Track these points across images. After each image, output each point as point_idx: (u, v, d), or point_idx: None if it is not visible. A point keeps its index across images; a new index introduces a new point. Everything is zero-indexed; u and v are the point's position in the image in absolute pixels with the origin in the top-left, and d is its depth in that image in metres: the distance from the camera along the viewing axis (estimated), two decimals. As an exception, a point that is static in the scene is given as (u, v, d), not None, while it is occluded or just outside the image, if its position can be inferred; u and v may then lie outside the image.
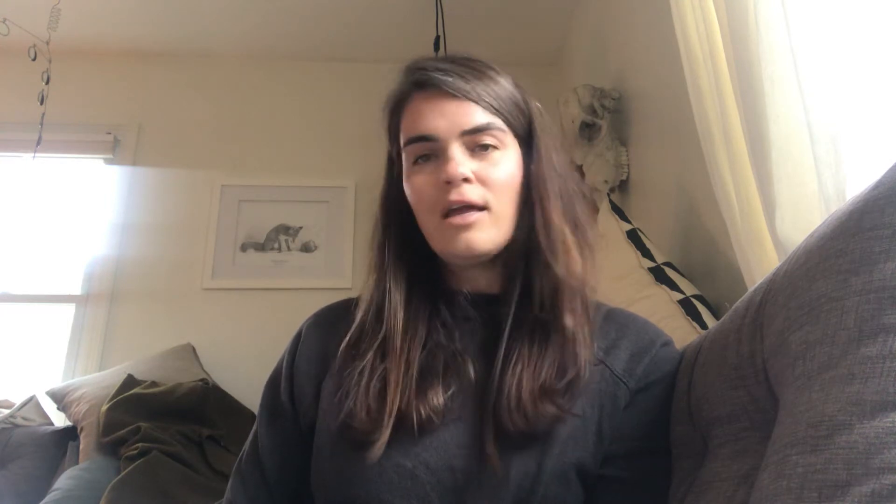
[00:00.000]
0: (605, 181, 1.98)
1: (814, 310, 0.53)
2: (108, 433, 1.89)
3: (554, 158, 0.79)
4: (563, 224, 0.76)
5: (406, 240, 0.80)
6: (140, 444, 1.80)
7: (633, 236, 1.57)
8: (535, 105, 0.81)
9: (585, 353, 0.72)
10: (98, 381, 2.17)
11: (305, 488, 0.79)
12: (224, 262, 2.72)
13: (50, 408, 2.23)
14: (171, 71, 2.95)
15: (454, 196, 0.72)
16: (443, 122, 0.74)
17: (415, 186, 0.76)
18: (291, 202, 2.83)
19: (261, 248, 2.77)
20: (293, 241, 2.79)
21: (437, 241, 0.76)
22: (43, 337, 2.68)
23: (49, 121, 2.33)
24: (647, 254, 1.51)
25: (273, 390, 0.84)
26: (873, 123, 0.81)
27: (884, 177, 0.52)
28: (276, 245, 2.78)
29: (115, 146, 2.83)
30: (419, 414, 0.70)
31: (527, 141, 0.79)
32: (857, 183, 0.78)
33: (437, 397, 0.71)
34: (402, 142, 0.78)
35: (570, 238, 0.76)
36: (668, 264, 1.47)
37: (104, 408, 1.95)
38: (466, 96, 0.74)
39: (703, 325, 1.25)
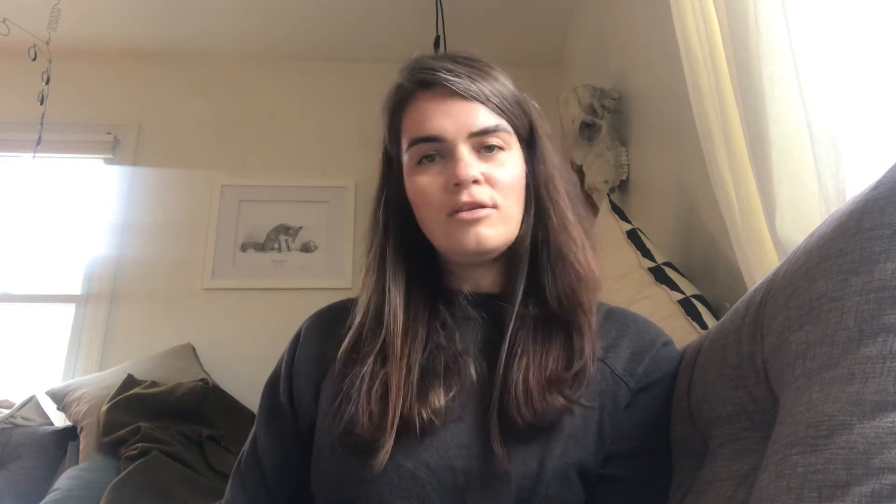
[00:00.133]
0: (605, 181, 1.98)
1: (814, 310, 0.53)
2: (108, 433, 1.89)
3: (555, 160, 0.80)
4: (576, 222, 0.77)
5: (406, 240, 0.79)
6: (140, 444, 1.80)
7: (633, 236, 1.57)
8: (535, 106, 0.81)
9: (590, 347, 0.73)
10: (98, 381, 2.17)
11: (305, 488, 0.79)
12: (224, 262, 2.72)
13: (50, 408, 2.23)
14: (171, 71, 2.95)
15: (465, 197, 0.72)
16: (450, 122, 0.73)
17: (419, 187, 0.75)
18: (291, 202, 2.83)
19: (261, 248, 2.77)
20: (293, 241, 2.79)
21: (443, 239, 0.76)
22: (43, 337, 2.68)
23: (49, 121, 2.33)
24: (647, 254, 1.51)
25: (272, 391, 0.84)
26: (873, 123, 0.81)
27: (884, 177, 0.52)
28: (276, 245, 2.78)
29: (115, 146, 2.83)
30: (421, 417, 0.70)
31: (528, 141, 0.79)
32: (857, 183, 0.78)
33: (439, 399, 0.71)
34: (404, 141, 0.77)
35: (583, 236, 0.77)
36: (668, 264, 1.47)
37: (104, 408, 1.95)
38: (474, 97, 0.74)
39: (703, 325, 1.25)
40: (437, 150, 0.74)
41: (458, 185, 0.72)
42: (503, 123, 0.75)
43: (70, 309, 2.65)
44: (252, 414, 2.14)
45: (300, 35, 2.86)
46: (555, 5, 2.65)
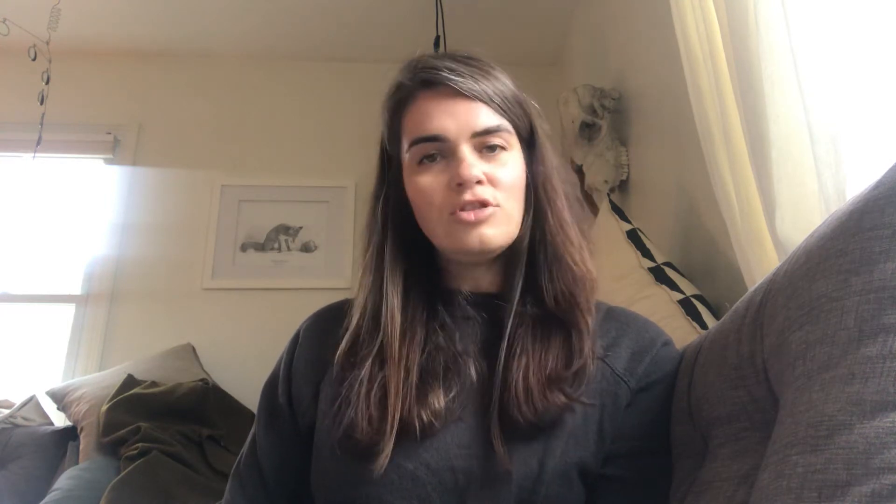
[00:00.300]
0: (605, 181, 1.98)
1: (814, 310, 0.53)
2: (108, 433, 1.89)
3: (554, 160, 0.80)
4: (573, 223, 0.77)
5: (404, 239, 0.79)
6: (140, 444, 1.80)
7: (633, 236, 1.57)
8: (534, 106, 0.81)
9: (590, 346, 0.73)
10: (98, 381, 2.17)
11: (304, 489, 0.79)
12: (224, 262, 2.72)
13: (50, 408, 2.22)
14: (171, 71, 2.95)
15: (468, 197, 0.72)
16: (452, 122, 0.73)
17: (420, 187, 0.75)
18: (291, 202, 2.83)
19: (261, 248, 2.77)
20: (293, 241, 2.79)
21: (445, 239, 0.75)
22: (43, 337, 2.68)
23: (49, 121, 2.33)
24: (647, 254, 1.51)
25: (271, 392, 0.84)
26: (873, 123, 0.81)
27: (884, 177, 0.52)
28: (276, 245, 2.78)
29: (115, 146, 2.83)
30: (421, 420, 0.70)
31: (528, 141, 0.79)
32: (857, 183, 0.78)
33: (438, 400, 0.71)
34: (405, 141, 0.77)
35: (580, 236, 0.77)
36: (668, 264, 1.47)
37: (104, 408, 1.95)
38: (477, 97, 0.74)
39: (703, 325, 1.25)
40: (439, 150, 0.74)
41: (461, 185, 0.72)
42: (505, 123, 0.75)
43: (70, 309, 2.65)
44: (252, 414, 2.14)
45: (300, 35, 2.86)
46: (555, 5, 2.65)
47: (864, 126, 0.82)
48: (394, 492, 0.69)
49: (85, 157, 2.88)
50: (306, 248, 2.78)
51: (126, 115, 2.87)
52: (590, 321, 0.75)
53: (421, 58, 0.78)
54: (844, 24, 0.84)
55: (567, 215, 0.77)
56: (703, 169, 1.19)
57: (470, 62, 0.76)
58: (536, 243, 0.77)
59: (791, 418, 0.51)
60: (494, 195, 0.73)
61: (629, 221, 1.64)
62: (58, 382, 2.34)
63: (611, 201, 1.75)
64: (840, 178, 0.81)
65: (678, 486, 0.72)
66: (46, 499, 1.68)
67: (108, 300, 2.63)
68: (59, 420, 2.25)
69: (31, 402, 2.22)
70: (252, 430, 0.86)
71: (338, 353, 0.76)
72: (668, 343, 0.79)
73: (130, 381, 2.08)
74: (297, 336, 0.86)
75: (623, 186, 2.03)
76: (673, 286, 1.39)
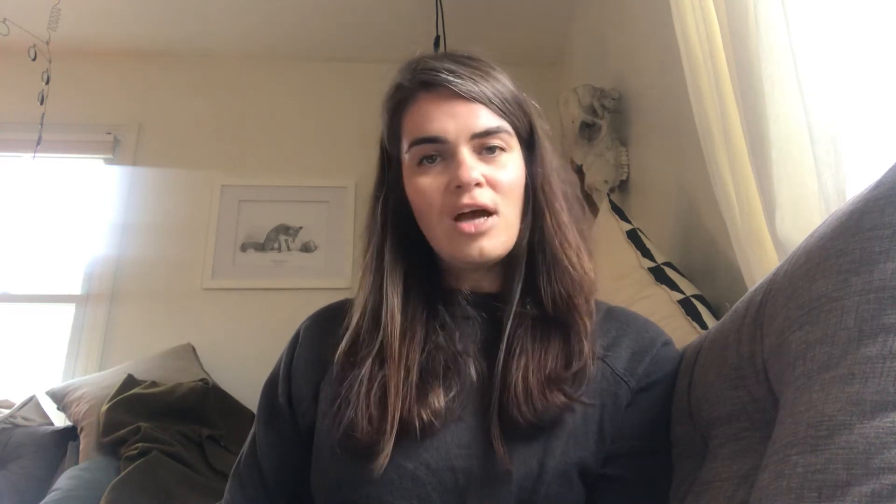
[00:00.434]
0: (605, 181, 1.98)
1: (814, 310, 0.53)
2: (108, 433, 1.89)
3: (554, 161, 0.80)
4: (571, 224, 0.77)
5: (404, 240, 0.79)
6: (140, 444, 1.80)
7: (633, 236, 1.57)
8: (534, 105, 0.81)
9: (589, 347, 0.73)
10: (98, 381, 2.17)
11: (304, 489, 0.79)
12: (224, 262, 2.72)
13: (50, 408, 2.23)
14: (171, 71, 2.95)
15: (466, 200, 0.72)
16: (452, 123, 0.73)
17: (419, 188, 0.75)
18: (291, 202, 2.83)
19: (261, 248, 2.77)
20: (293, 241, 2.79)
21: (445, 245, 0.75)
22: (43, 337, 2.68)
23: (49, 121, 2.33)
24: (647, 254, 1.51)
25: (271, 392, 0.84)
26: (873, 123, 0.81)
27: (884, 177, 0.52)
28: (276, 245, 2.78)
29: (115, 146, 2.83)
30: (421, 419, 0.70)
31: (527, 142, 0.79)
32: (857, 183, 0.78)
33: (438, 400, 0.71)
34: (405, 142, 0.76)
35: (578, 238, 0.77)
36: (668, 264, 1.47)
37: (104, 408, 1.95)
38: (476, 98, 0.73)
39: (703, 325, 1.25)
40: (439, 152, 0.74)
41: (460, 187, 0.72)
42: (504, 125, 0.75)
43: (70, 309, 2.65)
44: (252, 414, 2.14)
45: (300, 35, 2.86)
46: (555, 5, 2.65)
47: (864, 126, 0.82)
48: (394, 492, 0.69)
49: (85, 157, 2.88)
50: (306, 248, 2.78)
51: (126, 115, 2.88)
52: (588, 323, 0.74)
53: (420, 59, 0.78)
54: (844, 24, 0.84)
55: (565, 217, 0.77)
56: (703, 169, 1.19)
57: (469, 63, 0.76)
58: (535, 245, 0.77)
59: (791, 418, 0.51)
60: (493, 198, 0.73)
61: (629, 221, 1.64)
62: (58, 382, 2.35)
63: (611, 201, 1.75)
64: (840, 178, 0.81)
65: (678, 486, 0.72)
66: (46, 499, 1.68)
67: (108, 300, 2.63)
68: (59, 420, 2.25)
69: (31, 402, 2.22)
70: (252, 430, 0.86)
71: (338, 352, 0.76)
72: (668, 343, 0.79)
73: (130, 381, 2.08)
74: (297, 336, 0.86)
75: (623, 186, 2.03)
76: (673, 286, 1.39)
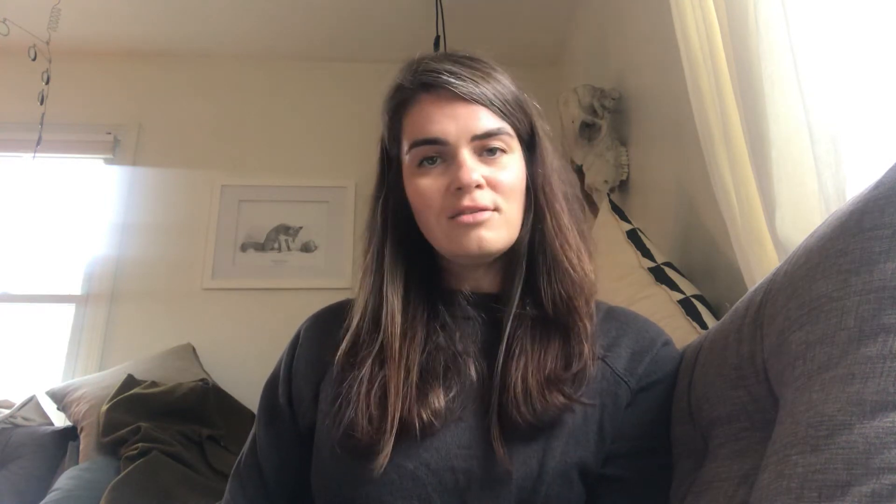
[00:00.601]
0: (605, 181, 1.98)
1: (814, 310, 0.53)
2: (108, 433, 1.89)
3: (555, 162, 0.80)
4: (571, 226, 0.77)
5: (404, 240, 0.79)
6: (140, 444, 1.80)
7: (633, 236, 1.57)
8: (535, 106, 0.81)
9: (589, 348, 0.73)
10: (98, 381, 2.17)
11: (304, 489, 0.79)
12: (224, 262, 2.72)
13: (50, 408, 2.23)
14: (171, 71, 2.95)
15: (467, 202, 0.72)
16: (453, 125, 0.73)
17: (419, 189, 0.75)
18: (291, 202, 2.83)
19: (261, 248, 2.77)
20: (293, 241, 2.79)
21: (444, 242, 0.75)
22: (43, 337, 2.68)
23: (49, 121, 2.33)
24: (647, 254, 1.51)
25: (271, 392, 0.84)
26: (873, 123, 0.81)
27: (884, 177, 0.52)
28: (276, 245, 2.78)
29: (115, 146, 2.83)
30: (421, 419, 0.70)
31: (528, 143, 0.79)
32: (857, 183, 0.78)
33: (438, 400, 0.71)
34: (405, 143, 0.76)
35: (578, 239, 0.77)
36: (668, 264, 1.47)
37: (104, 408, 1.95)
38: (477, 100, 0.73)
39: (703, 325, 1.25)
40: (439, 153, 0.74)
41: (461, 189, 0.72)
42: (505, 126, 0.75)
43: (70, 309, 2.65)
44: (252, 414, 2.14)
45: (300, 35, 2.86)
46: (555, 5, 2.65)
47: (864, 126, 0.82)
48: (394, 492, 0.69)
49: (85, 157, 2.88)
50: (306, 248, 2.78)
51: (126, 115, 2.88)
52: (589, 325, 0.74)
53: (421, 60, 0.78)
54: (844, 24, 0.84)
55: (566, 219, 0.77)
56: (703, 169, 1.19)
57: (470, 64, 0.76)
58: (536, 246, 0.77)
59: (791, 418, 0.51)
60: (494, 199, 0.73)
61: (629, 221, 1.64)
62: (58, 382, 2.34)
63: (611, 201, 1.75)
64: (840, 178, 0.81)
65: (678, 486, 0.72)
66: (46, 499, 1.68)
67: (108, 300, 2.63)
68: (59, 420, 2.25)
69: (31, 402, 2.22)
70: (252, 431, 0.86)
71: (338, 353, 0.76)
72: (668, 343, 0.79)
73: (130, 381, 2.08)
74: (297, 337, 0.86)
75: (623, 186, 2.03)
76: (673, 286, 1.39)
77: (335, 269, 2.73)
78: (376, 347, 0.75)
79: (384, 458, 0.68)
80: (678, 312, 1.31)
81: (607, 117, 2.03)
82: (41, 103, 2.20)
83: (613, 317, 0.80)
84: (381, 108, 0.81)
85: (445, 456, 0.70)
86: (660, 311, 1.32)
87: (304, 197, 2.84)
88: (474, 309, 0.78)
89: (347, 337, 0.77)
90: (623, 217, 1.66)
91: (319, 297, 1.11)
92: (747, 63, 0.96)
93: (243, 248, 2.76)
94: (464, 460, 0.70)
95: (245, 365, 2.39)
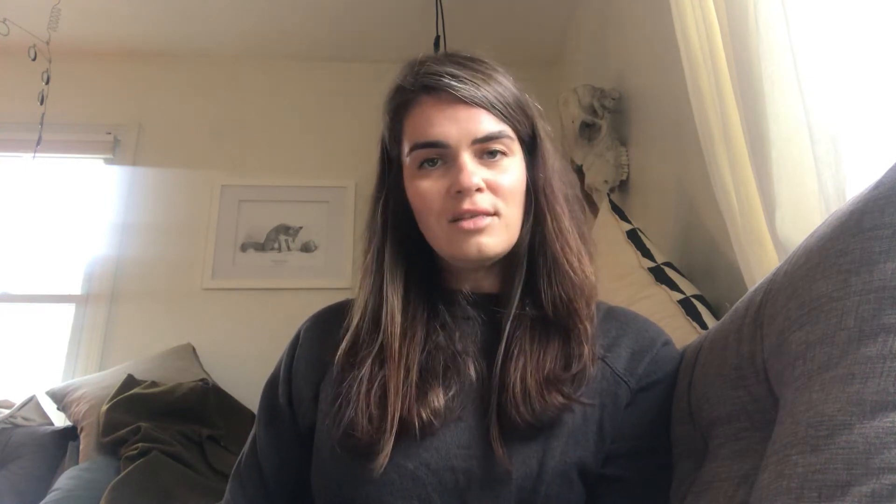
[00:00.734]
0: (605, 181, 1.98)
1: (814, 310, 0.53)
2: (108, 433, 1.89)
3: (556, 163, 0.79)
4: (572, 228, 0.77)
5: (404, 241, 0.79)
6: (140, 444, 1.80)
7: (633, 236, 1.57)
8: (537, 107, 0.81)
9: (590, 349, 0.73)
10: (98, 381, 2.17)
11: (304, 490, 0.79)
12: (224, 262, 2.72)
13: (50, 408, 2.22)
14: (171, 71, 2.95)
15: (466, 205, 0.72)
16: (454, 128, 0.73)
17: (420, 191, 0.75)
18: (291, 202, 2.83)
19: (261, 248, 2.77)
20: (293, 241, 2.79)
21: (444, 245, 0.75)
22: (43, 337, 2.68)
23: (49, 121, 2.33)
24: (647, 254, 1.51)
25: (271, 392, 0.84)
26: (873, 123, 0.81)
27: (884, 177, 0.52)
28: (276, 245, 2.78)
29: (115, 146, 2.83)
30: (420, 418, 0.70)
31: (529, 145, 0.79)
32: (857, 183, 0.78)
33: (438, 399, 0.71)
34: (406, 145, 0.76)
35: (579, 241, 0.77)
36: (668, 264, 1.47)
37: (104, 408, 1.95)
38: (478, 104, 0.73)
39: (703, 325, 1.25)
40: (440, 156, 0.74)
41: (461, 192, 0.72)
42: (506, 129, 0.75)
43: (70, 309, 2.65)
44: (252, 414, 2.14)
45: (300, 35, 2.86)
46: (555, 5, 2.65)
47: (864, 126, 0.82)
48: (394, 492, 0.69)
49: (85, 157, 2.88)
50: (306, 248, 2.78)
51: (126, 115, 2.87)
52: (589, 327, 0.74)
53: (422, 61, 0.77)
54: (844, 24, 0.84)
55: (566, 221, 0.77)
56: (703, 169, 1.19)
57: (472, 65, 0.76)
58: (536, 248, 0.77)
59: (791, 418, 0.51)
60: (494, 203, 0.73)
61: (629, 221, 1.64)
62: (58, 382, 2.34)
63: (611, 201, 1.75)
64: (840, 178, 0.81)
65: (678, 486, 0.72)
66: (46, 499, 1.68)
67: (108, 300, 2.63)
68: (59, 420, 2.25)
69: (31, 402, 2.22)
70: (252, 431, 0.86)
71: (338, 354, 0.76)
72: (668, 343, 0.79)
73: (130, 381, 2.08)
74: (297, 337, 0.86)
75: (623, 186, 2.03)
76: (673, 286, 1.39)
77: (335, 269, 2.73)
78: (376, 347, 0.75)
79: (384, 457, 0.68)
80: (678, 312, 1.31)
81: (607, 117, 2.03)
82: (41, 103, 2.20)
83: (613, 317, 0.80)
84: (381, 109, 0.81)
85: (445, 456, 0.70)
86: (660, 311, 1.32)
87: (304, 197, 2.84)
88: (474, 309, 0.78)
89: (347, 337, 0.77)
90: (623, 217, 1.66)
91: (319, 297, 1.11)
92: (747, 63, 0.96)
93: (243, 248, 2.76)
94: (463, 460, 0.70)
95: (245, 365, 2.39)
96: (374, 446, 0.69)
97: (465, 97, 0.73)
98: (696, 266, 1.51)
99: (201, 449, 1.92)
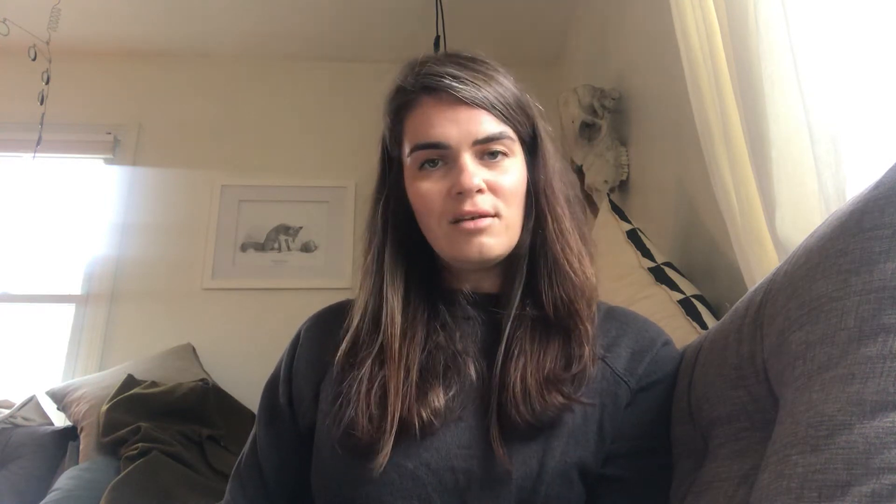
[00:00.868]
0: (605, 181, 1.98)
1: (814, 310, 0.53)
2: (108, 433, 1.89)
3: (557, 164, 0.79)
4: (573, 229, 0.77)
5: (405, 241, 0.79)
6: (140, 444, 1.80)
7: (633, 236, 1.57)
8: (537, 107, 0.80)
9: (590, 350, 0.73)
10: (98, 381, 2.17)
11: (305, 490, 0.79)
12: (224, 262, 2.72)
13: (50, 408, 2.23)
14: (171, 71, 2.95)
15: (467, 207, 0.72)
16: (454, 129, 0.73)
17: (420, 192, 0.75)
18: (291, 202, 2.83)
19: (261, 248, 2.77)
20: (293, 241, 2.79)
21: (445, 246, 0.75)
22: (43, 337, 2.68)
23: (49, 121, 2.33)
24: (647, 254, 1.51)
25: (272, 393, 0.84)
26: (873, 123, 0.81)
27: (884, 177, 0.52)
28: (276, 245, 2.78)
29: (115, 146, 2.83)
30: (420, 418, 0.70)
31: (530, 145, 0.79)
32: (857, 183, 0.78)
33: (438, 399, 0.71)
34: (407, 145, 0.76)
35: (579, 242, 0.77)
36: (668, 264, 1.47)
37: (104, 408, 1.95)
38: (479, 105, 0.73)
39: (703, 325, 1.25)
40: (441, 156, 0.74)
41: (461, 193, 0.72)
42: (507, 130, 0.75)
43: (70, 309, 2.65)
44: (252, 414, 2.14)
45: (300, 35, 2.86)
46: (555, 5, 2.65)
47: (864, 126, 0.82)
48: (394, 492, 0.69)
49: (85, 157, 2.88)
50: (306, 248, 2.78)
51: (126, 115, 2.88)
52: (590, 328, 0.75)
53: (423, 62, 0.77)
54: (844, 24, 0.84)
55: (567, 222, 0.77)
56: (703, 169, 1.19)
57: (472, 66, 0.75)
58: (537, 249, 0.77)
59: (791, 418, 0.51)
60: (495, 204, 0.73)
61: (629, 221, 1.64)
62: (58, 382, 2.34)
63: (611, 201, 1.75)
64: (840, 178, 0.81)
65: (678, 486, 0.72)
66: (46, 499, 1.68)
67: (108, 300, 2.63)
68: (59, 420, 2.25)
69: (31, 402, 2.22)
70: (253, 431, 0.86)
71: (338, 354, 0.76)
72: (668, 343, 0.79)
73: (130, 381, 2.08)
74: (297, 337, 0.86)
75: (623, 186, 2.03)
76: (673, 286, 1.39)
77: (335, 269, 2.73)
78: (376, 347, 0.75)
79: (384, 457, 0.68)
80: (678, 312, 1.31)
81: (607, 117, 2.03)
82: (41, 103, 2.20)
83: (613, 317, 0.80)
84: (381, 109, 0.81)
85: (445, 456, 0.70)
86: (660, 311, 1.32)
87: (304, 197, 2.84)
88: (474, 309, 0.78)
89: (347, 337, 0.77)
90: (623, 217, 1.66)
91: (319, 297, 1.11)
92: (747, 63, 0.96)
93: (243, 248, 2.76)
94: (464, 460, 0.70)
95: (245, 365, 2.39)
96: (374, 446, 0.69)
97: (466, 98, 0.73)
98: (696, 266, 1.51)
99: (201, 449, 1.92)
